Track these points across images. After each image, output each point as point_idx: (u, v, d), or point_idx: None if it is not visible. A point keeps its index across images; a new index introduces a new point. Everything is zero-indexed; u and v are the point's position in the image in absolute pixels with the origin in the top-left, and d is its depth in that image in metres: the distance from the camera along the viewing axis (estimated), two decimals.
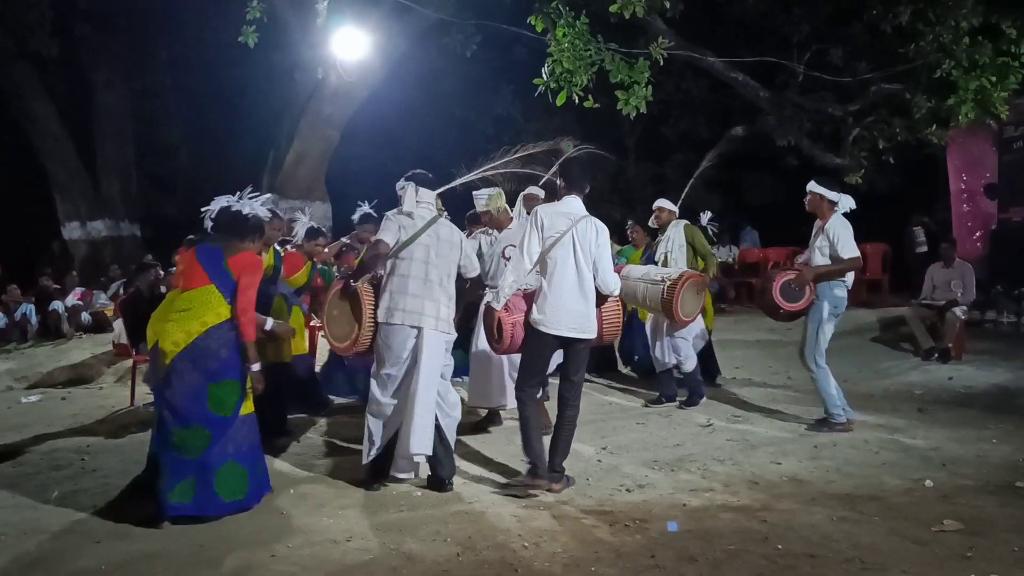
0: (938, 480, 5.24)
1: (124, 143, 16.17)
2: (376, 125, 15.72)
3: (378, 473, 5.24)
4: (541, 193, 7.69)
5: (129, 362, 8.76)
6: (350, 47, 10.67)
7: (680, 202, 7.82)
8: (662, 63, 8.94)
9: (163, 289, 9.30)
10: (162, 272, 10.36)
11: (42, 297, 12.51)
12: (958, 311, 9.63)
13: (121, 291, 11.99)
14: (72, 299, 12.37)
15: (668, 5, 9.12)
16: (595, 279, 5.19)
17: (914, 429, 6.61)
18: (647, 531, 4.46)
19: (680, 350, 7.47)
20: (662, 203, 7.78)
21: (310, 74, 11.88)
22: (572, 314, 5.13)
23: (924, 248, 13.96)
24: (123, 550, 4.34)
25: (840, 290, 6.54)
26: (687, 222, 7.77)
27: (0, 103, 14.76)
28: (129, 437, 6.98)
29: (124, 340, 8.71)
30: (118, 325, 9.00)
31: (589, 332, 5.21)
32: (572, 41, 8.54)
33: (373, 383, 5.22)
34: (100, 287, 13.15)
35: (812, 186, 6.68)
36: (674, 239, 7.63)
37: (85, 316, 12.01)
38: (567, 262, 5.13)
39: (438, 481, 5.21)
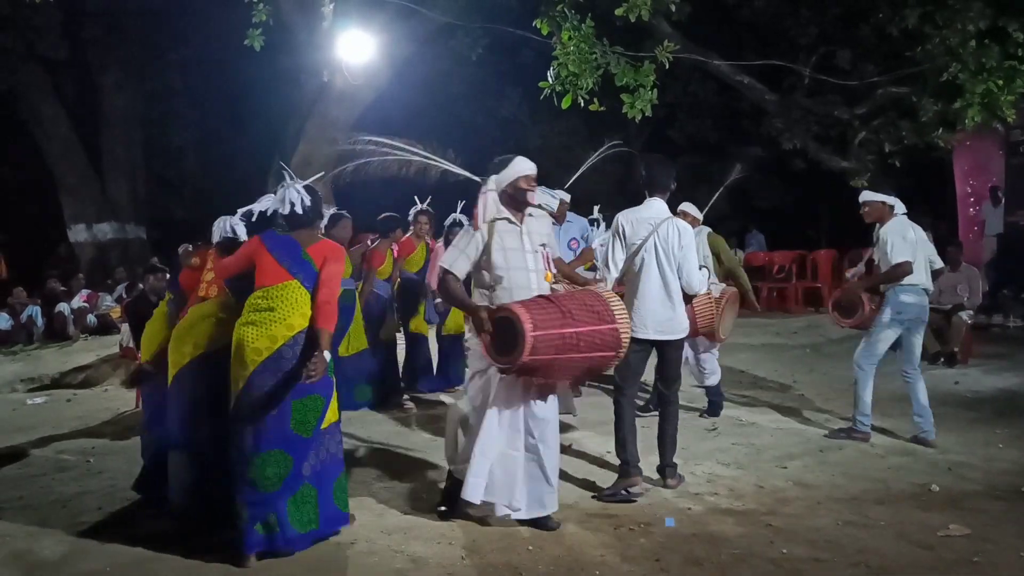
0: (945, 485, 5.22)
1: (132, 145, 16.20)
2: (382, 128, 15.65)
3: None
4: (567, 197, 7.73)
5: (135, 364, 8.76)
6: (356, 50, 10.69)
7: (706, 210, 7.51)
8: (668, 66, 8.93)
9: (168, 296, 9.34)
10: (168, 275, 10.38)
11: (48, 299, 12.54)
12: (964, 315, 9.60)
13: (124, 294, 12.02)
14: (78, 301, 12.40)
15: (674, 8, 9.11)
16: (680, 281, 5.19)
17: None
18: (652, 535, 4.45)
19: (706, 365, 7.23)
20: (687, 208, 7.29)
21: (316, 77, 11.90)
22: (659, 319, 5.15)
23: None
24: (129, 552, 4.35)
25: (907, 295, 6.17)
26: (710, 230, 7.51)
27: (9, 105, 14.79)
28: (134, 439, 6.94)
29: (130, 343, 8.72)
30: (125, 328, 9.01)
31: (678, 333, 5.24)
32: (578, 44, 8.53)
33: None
34: (106, 289, 13.18)
35: (866, 196, 6.51)
36: (700, 248, 7.37)
37: (91, 318, 12.04)
38: (651, 268, 5.15)
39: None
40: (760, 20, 13.55)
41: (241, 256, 4.49)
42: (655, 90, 8.83)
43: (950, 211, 14.64)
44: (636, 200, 5.37)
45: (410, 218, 8.42)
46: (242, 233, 4.91)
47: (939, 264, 6.63)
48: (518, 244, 4.54)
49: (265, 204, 4.76)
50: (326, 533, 4.33)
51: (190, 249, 5.89)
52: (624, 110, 8.87)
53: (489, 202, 4.60)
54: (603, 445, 6.26)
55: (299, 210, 4.47)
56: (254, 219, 4.80)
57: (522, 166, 4.61)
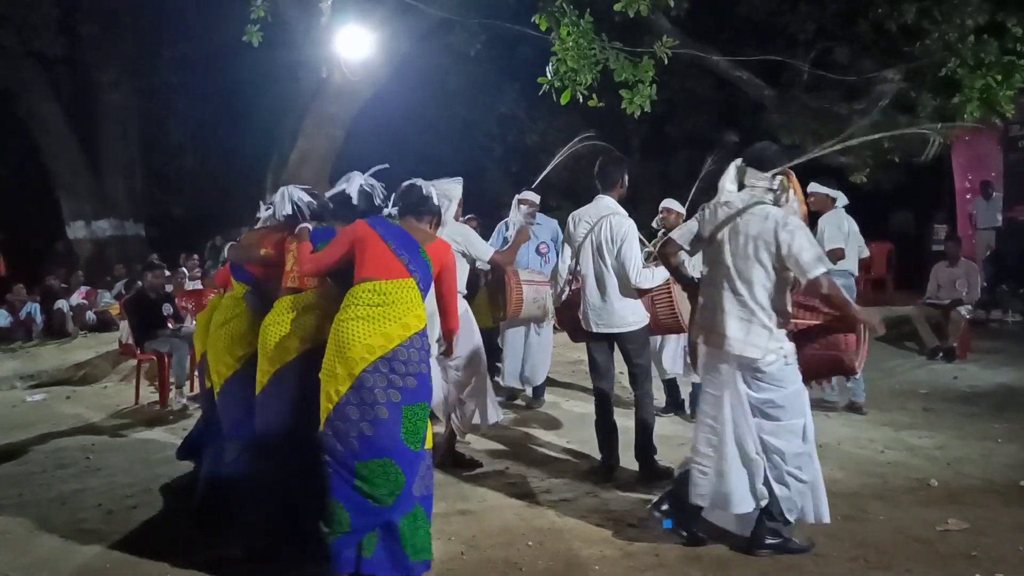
0: (943, 479, 5.23)
1: (129, 142, 16.18)
2: (380, 124, 15.70)
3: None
4: (536, 197, 7.68)
5: (134, 361, 8.78)
6: (354, 46, 10.66)
7: (687, 204, 7.50)
8: (667, 62, 8.92)
9: (168, 289, 9.34)
10: (167, 272, 10.37)
11: (47, 296, 12.53)
12: (963, 310, 9.60)
13: (123, 291, 12.02)
14: (77, 298, 12.40)
15: (673, 4, 9.08)
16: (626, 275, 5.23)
17: (919, 428, 6.60)
18: (651, 530, 4.45)
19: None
20: (670, 204, 7.40)
21: (314, 73, 11.87)
22: (597, 313, 5.32)
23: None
24: (129, 549, 4.35)
25: (837, 278, 6.29)
26: None
27: (6, 102, 14.76)
28: (133, 436, 7.00)
29: (129, 340, 8.72)
30: (124, 325, 9.02)
31: (618, 327, 5.30)
32: (576, 40, 8.51)
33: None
34: (105, 286, 13.18)
35: (814, 187, 7.10)
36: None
37: (90, 315, 12.04)
38: (588, 264, 5.35)
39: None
40: (758, 16, 13.51)
41: (345, 243, 4.04)
42: (654, 86, 8.81)
43: (948, 206, 14.64)
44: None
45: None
46: (305, 208, 4.56)
47: (866, 254, 7.67)
48: None
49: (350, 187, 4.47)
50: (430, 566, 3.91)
51: (235, 242, 5.26)
52: (623, 106, 8.85)
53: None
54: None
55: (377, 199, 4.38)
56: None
57: None
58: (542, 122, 16.71)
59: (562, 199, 8.43)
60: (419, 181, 4.40)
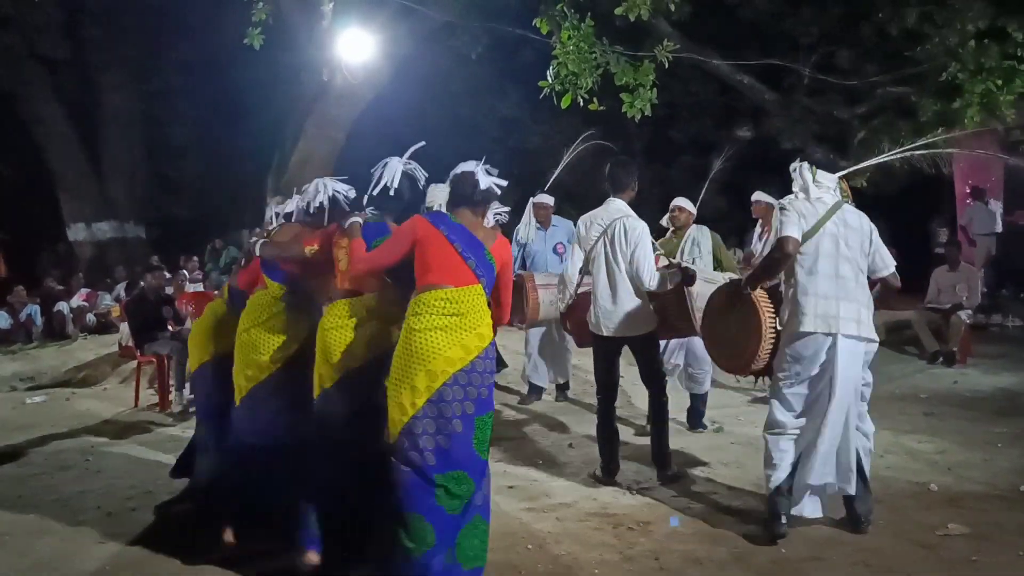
0: (944, 484, 5.22)
1: (131, 144, 16.21)
2: (382, 127, 15.68)
3: (781, 512, 4.38)
4: (550, 200, 7.73)
5: (134, 363, 8.77)
6: (356, 49, 10.69)
7: (697, 205, 7.43)
8: (667, 66, 8.93)
9: (168, 291, 9.34)
10: (167, 274, 10.38)
11: (47, 298, 12.54)
12: (963, 314, 9.59)
13: (123, 293, 12.03)
14: (77, 300, 12.42)
15: (674, 7, 9.10)
16: (637, 277, 5.25)
17: (920, 433, 6.58)
18: (651, 534, 4.45)
19: (702, 367, 6.80)
20: (682, 203, 7.19)
21: (316, 76, 11.90)
22: (608, 316, 5.30)
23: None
24: (128, 551, 4.35)
25: None
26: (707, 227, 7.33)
27: (8, 104, 14.79)
28: (133, 438, 6.99)
29: (129, 342, 8.72)
30: (124, 327, 9.01)
31: (630, 330, 5.29)
32: (577, 43, 8.52)
33: (775, 403, 4.45)
34: (106, 288, 13.19)
35: (757, 196, 7.40)
36: (701, 244, 7.13)
37: (90, 317, 12.05)
38: (600, 266, 5.34)
39: (854, 519, 4.45)
40: (760, 20, 13.53)
41: (405, 243, 3.79)
42: (655, 89, 8.82)
43: (949, 210, 14.63)
44: (636, 198, 5.48)
45: None
46: (343, 200, 4.35)
47: None
48: None
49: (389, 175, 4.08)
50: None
51: (265, 234, 4.71)
52: (624, 109, 8.86)
53: None
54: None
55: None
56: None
57: None
58: (544, 125, 16.72)
59: (561, 202, 8.40)
60: (469, 166, 3.96)
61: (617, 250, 5.26)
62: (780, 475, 4.36)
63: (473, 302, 3.68)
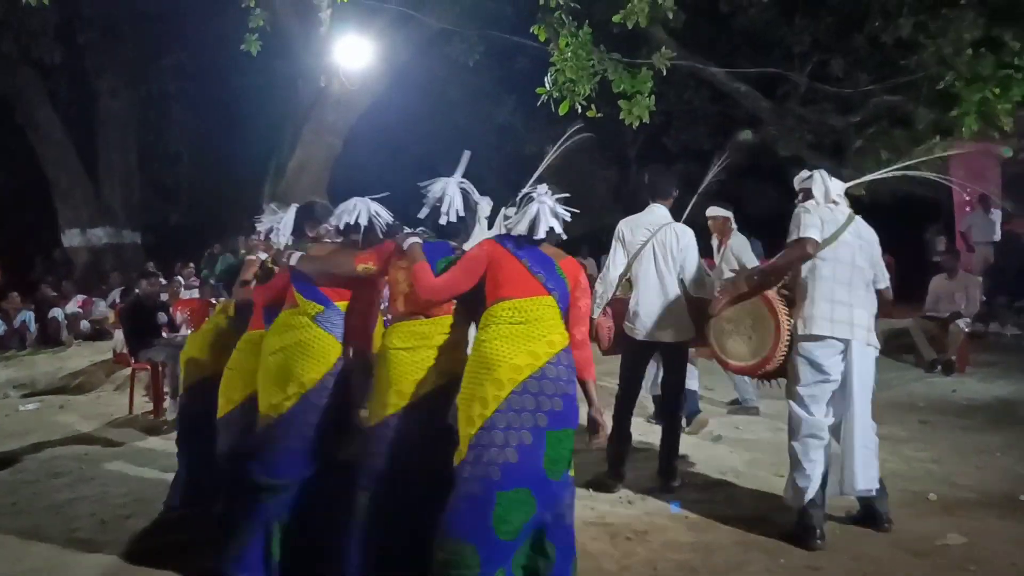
0: (940, 493, 5.21)
1: (127, 150, 16.18)
2: (379, 133, 15.73)
3: (816, 526, 4.39)
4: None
5: (128, 370, 8.74)
6: (353, 55, 10.70)
7: (687, 213, 7.25)
8: (665, 73, 8.94)
9: (164, 298, 9.31)
10: (163, 280, 10.36)
11: (42, 304, 12.50)
12: (961, 323, 9.60)
13: (118, 299, 11.99)
14: (73, 307, 12.38)
15: (671, 16, 9.12)
16: (684, 283, 5.30)
17: (917, 441, 6.58)
18: (649, 543, 4.43)
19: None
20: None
21: (313, 82, 11.90)
22: (653, 319, 5.29)
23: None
24: (122, 559, 4.33)
25: None
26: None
27: (3, 109, 14.78)
28: (127, 445, 6.97)
29: (124, 350, 8.70)
30: (118, 334, 8.99)
31: (677, 336, 5.30)
32: (575, 51, 8.54)
33: (794, 407, 4.49)
34: (101, 295, 13.15)
35: (715, 211, 7.24)
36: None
37: (85, 324, 12.01)
38: (649, 271, 5.32)
39: (878, 518, 4.58)
40: (755, 28, 13.58)
41: (480, 267, 3.67)
42: (652, 97, 8.83)
43: (946, 218, 14.65)
44: (633, 206, 5.48)
45: None
46: (380, 226, 4.14)
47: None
48: None
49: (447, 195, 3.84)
50: None
51: (302, 252, 4.27)
52: (621, 116, 8.87)
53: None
54: (597, 454, 6.24)
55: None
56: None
57: None
58: (540, 132, 16.72)
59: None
60: (532, 209, 3.74)
61: (669, 254, 5.26)
62: (813, 486, 4.37)
63: (542, 312, 3.55)
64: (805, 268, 4.52)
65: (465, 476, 3.37)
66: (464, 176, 3.96)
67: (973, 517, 4.78)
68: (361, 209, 4.16)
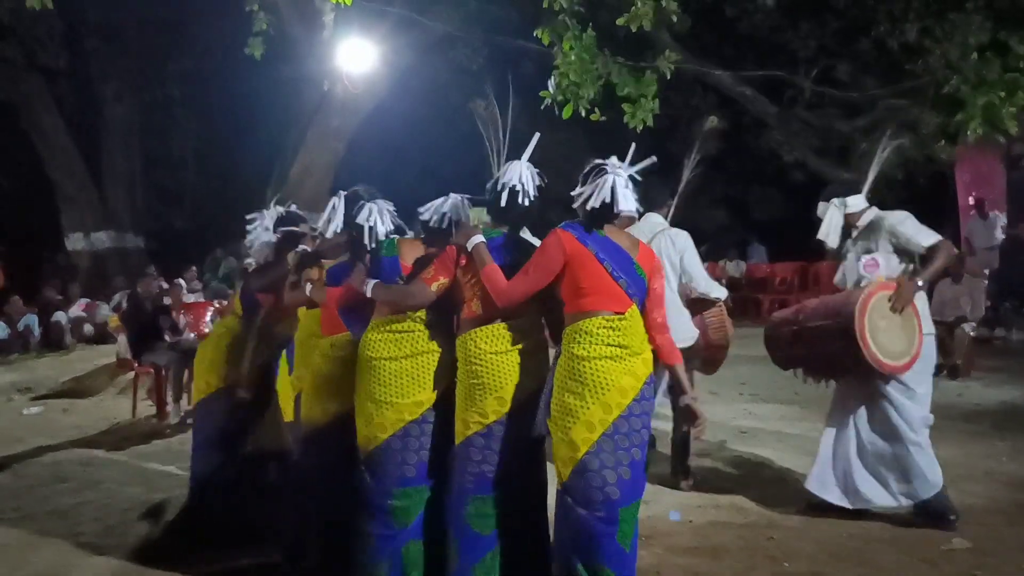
0: None
1: (131, 155, 16.22)
2: (382, 137, 15.74)
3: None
4: None
5: (131, 374, 8.74)
6: (357, 60, 10.71)
7: (670, 213, 6.93)
8: (669, 77, 8.93)
9: (166, 302, 9.31)
10: (164, 284, 10.36)
11: (45, 308, 12.52)
12: (967, 327, 9.57)
13: (123, 303, 12.01)
14: (77, 310, 12.39)
15: (676, 19, 9.11)
16: (695, 287, 5.37)
17: None
18: (652, 548, 4.41)
19: None
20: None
21: (317, 86, 11.91)
22: None
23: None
24: (127, 563, 4.32)
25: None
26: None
27: (8, 115, 14.81)
28: (131, 449, 6.96)
29: (127, 354, 8.69)
30: (122, 339, 8.98)
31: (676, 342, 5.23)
32: (579, 54, 8.52)
33: (915, 407, 4.77)
34: (104, 299, 13.17)
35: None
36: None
37: (88, 328, 12.02)
38: None
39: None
40: (760, 33, 13.56)
41: (556, 265, 3.42)
42: (656, 100, 8.82)
43: (950, 222, 14.64)
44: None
45: None
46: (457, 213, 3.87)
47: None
48: None
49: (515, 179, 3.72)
50: None
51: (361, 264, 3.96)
52: (625, 120, 8.86)
53: None
54: None
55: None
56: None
57: None
58: (543, 136, 16.72)
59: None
60: (608, 180, 3.56)
61: (666, 261, 5.29)
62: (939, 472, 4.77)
63: (635, 327, 3.37)
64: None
65: (580, 503, 3.24)
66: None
67: (980, 522, 4.75)
68: (460, 206, 3.94)
